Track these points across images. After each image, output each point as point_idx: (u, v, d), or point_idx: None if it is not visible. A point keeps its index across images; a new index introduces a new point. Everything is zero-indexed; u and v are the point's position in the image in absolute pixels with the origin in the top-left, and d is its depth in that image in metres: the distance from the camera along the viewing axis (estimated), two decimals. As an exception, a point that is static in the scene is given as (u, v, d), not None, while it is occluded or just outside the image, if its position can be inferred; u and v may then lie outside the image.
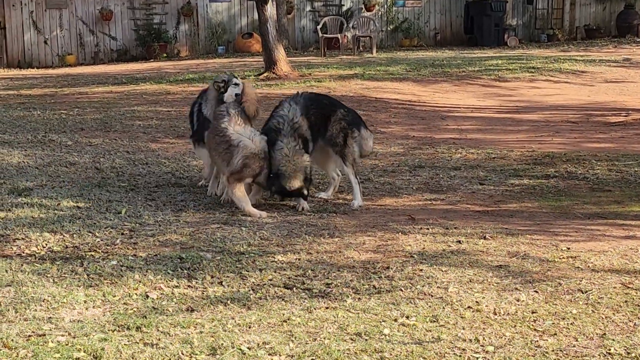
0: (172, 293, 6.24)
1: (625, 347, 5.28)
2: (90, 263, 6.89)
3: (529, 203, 9.20)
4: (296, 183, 8.68)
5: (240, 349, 5.22)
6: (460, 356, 5.17)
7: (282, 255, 7.16)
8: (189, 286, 6.38)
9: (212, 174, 9.37)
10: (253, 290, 6.32)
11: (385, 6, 32.54)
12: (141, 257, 7.08)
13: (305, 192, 8.79)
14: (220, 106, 9.03)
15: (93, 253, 7.19)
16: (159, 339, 5.36)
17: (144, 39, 29.49)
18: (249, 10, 30.47)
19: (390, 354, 5.17)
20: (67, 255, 7.12)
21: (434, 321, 5.70)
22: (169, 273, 6.65)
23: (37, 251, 7.26)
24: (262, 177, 8.69)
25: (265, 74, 20.45)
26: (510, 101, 17.95)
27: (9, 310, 5.86)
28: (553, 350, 5.23)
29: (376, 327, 5.57)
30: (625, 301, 6.06)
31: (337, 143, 9.03)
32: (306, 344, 5.31)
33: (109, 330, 5.52)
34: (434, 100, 17.88)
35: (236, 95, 9.09)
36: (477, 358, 5.15)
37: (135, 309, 5.92)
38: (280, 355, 5.16)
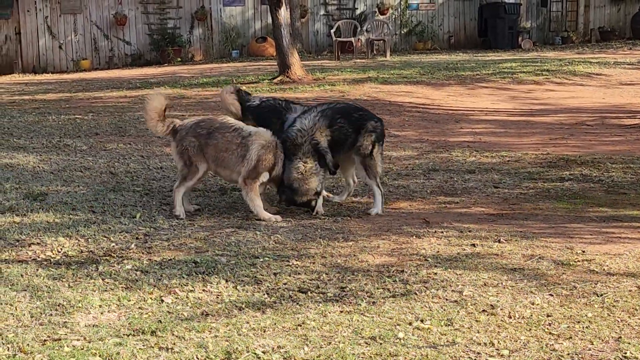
0: (187, 297, 6.25)
1: (641, 350, 5.27)
2: (105, 267, 6.91)
3: (544, 206, 9.18)
4: (306, 197, 8.73)
5: (255, 353, 5.22)
6: (475, 360, 5.17)
7: (296, 259, 7.16)
8: (203, 290, 6.39)
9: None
10: (268, 294, 6.32)
11: (399, 9, 32.53)
12: (156, 261, 7.09)
13: (314, 204, 8.81)
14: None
15: (108, 257, 7.21)
16: (174, 344, 5.38)
17: (158, 43, 29.57)
18: (262, 14, 30.50)
19: (405, 358, 5.17)
20: (82, 260, 7.14)
21: (449, 325, 5.69)
22: (183, 277, 6.66)
23: (53, 256, 7.28)
24: (276, 171, 8.63)
25: (279, 78, 20.46)
26: (525, 104, 17.91)
27: (24, 314, 5.88)
28: (568, 354, 5.22)
29: (391, 331, 5.56)
30: (641, 304, 6.04)
31: (364, 154, 8.92)
32: (321, 347, 5.31)
33: (124, 334, 5.53)
34: (447, 103, 17.86)
35: None
36: (492, 362, 5.15)
37: (150, 314, 5.93)
38: (295, 359, 5.16)
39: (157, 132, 8.97)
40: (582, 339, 5.45)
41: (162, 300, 6.18)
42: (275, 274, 6.75)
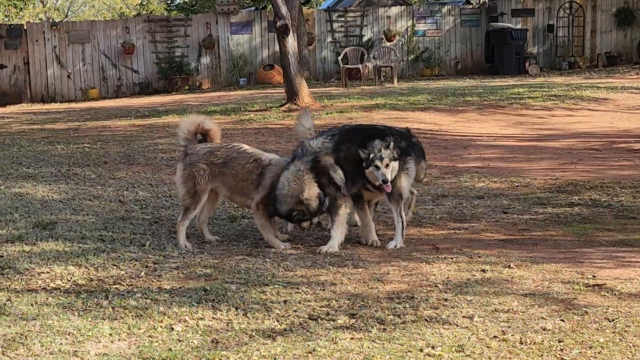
0: (197, 325, 6.23)
1: (653, 375, 5.23)
2: (115, 296, 6.90)
3: (554, 231, 9.15)
4: (285, 207, 8.45)
5: (266, 381, 5.20)
6: (487, 386, 5.14)
7: (306, 286, 7.15)
8: (213, 318, 6.38)
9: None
10: (278, 321, 6.31)
11: (406, 36, 32.64)
12: (165, 289, 7.08)
13: (295, 216, 8.53)
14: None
15: (117, 286, 7.20)
16: (185, 372, 5.36)
17: (165, 72, 29.72)
18: (270, 42, 30.63)
19: (417, 385, 5.14)
20: (92, 289, 7.14)
21: (460, 351, 5.67)
22: (193, 305, 6.65)
23: (62, 284, 7.28)
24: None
25: (287, 105, 20.52)
26: (533, 129, 17.91)
27: (34, 343, 5.87)
28: (581, 380, 5.19)
29: (402, 358, 5.54)
30: (653, 329, 6.01)
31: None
32: (332, 375, 5.29)
33: (134, 363, 5.52)
34: (455, 129, 17.88)
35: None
36: (504, 388, 5.12)
37: (160, 342, 5.92)
38: (305, 387, 5.14)
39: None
40: (594, 365, 5.42)
41: (172, 329, 6.17)
42: (285, 301, 6.73)
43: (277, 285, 7.13)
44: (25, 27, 29.75)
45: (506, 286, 7.06)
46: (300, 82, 20.69)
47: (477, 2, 37.23)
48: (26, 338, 5.97)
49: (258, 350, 5.73)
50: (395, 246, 8.49)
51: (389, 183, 8.27)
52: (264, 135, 17.07)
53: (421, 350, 5.67)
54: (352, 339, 5.92)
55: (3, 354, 5.68)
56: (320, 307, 6.61)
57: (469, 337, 5.90)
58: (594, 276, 7.32)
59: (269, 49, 30.92)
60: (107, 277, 7.47)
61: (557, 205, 10.37)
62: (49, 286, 7.23)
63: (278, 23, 20.39)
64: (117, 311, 6.54)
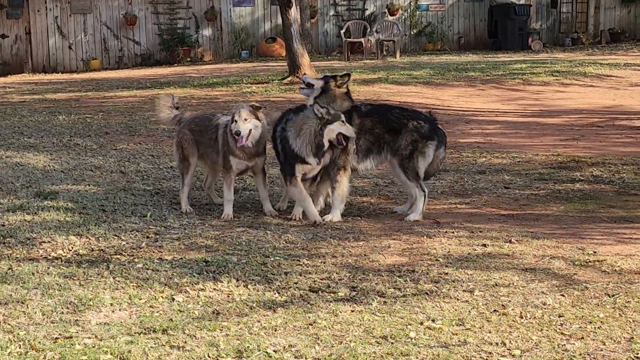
0: (198, 296, 6.25)
1: (653, 351, 5.25)
2: (116, 266, 6.91)
3: (555, 207, 9.16)
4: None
5: (266, 352, 5.22)
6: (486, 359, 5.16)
7: (307, 258, 7.16)
8: (214, 289, 6.39)
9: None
10: (279, 293, 6.32)
11: (409, 10, 32.50)
12: (167, 260, 7.10)
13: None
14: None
15: (119, 256, 7.21)
16: (185, 342, 5.38)
17: (167, 43, 29.60)
18: (272, 15, 30.51)
19: (417, 357, 5.16)
20: (93, 259, 7.15)
21: (460, 324, 5.68)
22: (194, 276, 6.66)
23: (64, 254, 7.29)
24: None
25: (289, 78, 20.46)
26: (535, 105, 17.88)
27: (36, 312, 5.89)
28: (580, 354, 5.20)
29: (402, 331, 5.56)
30: (653, 305, 6.03)
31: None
32: (332, 347, 5.31)
33: (135, 333, 5.54)
34: (457, 104, 17.85)
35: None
36: (504, 362, 5.14)
37: (161, 312, 5.93)
38: (306, 358, 5.15)
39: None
40: (594, 340, 5.43)
41: (173, 299, 6.18)
42: (286, 273, 6.75)
43: (278, 257, 7.15)
44: (27, -3, 29.64)
45: (507, 261, 7.08)
46: (302, 55, 20.61)
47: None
48: (27, 306, 5.99)
49: (259, 321, 5.74)
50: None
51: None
52: (266, 108, 17.01)
53: (421, 324, 5.69)
54: (352, 311, 5.93)
55: (5, 322, 5.70)
56: (321, 279, 6.62)
57: (469, 311, 5.92)
58: (595, 252, 7.33)
59: (271, 21, 30.79)
60: (108, 247, 7.48)
61: (558, 181, 10.37)
62: (50, 255, 7.24)
63: (281, -5, 20.31)
64: (118, 281, 6.56)
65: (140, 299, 6.18)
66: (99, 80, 23.79)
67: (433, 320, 5.74)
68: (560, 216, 8.76)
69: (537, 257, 7.17)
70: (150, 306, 6.06)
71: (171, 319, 5.77)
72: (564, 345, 5.34)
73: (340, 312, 5.90)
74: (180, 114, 9.35)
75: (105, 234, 7.89)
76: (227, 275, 6.68)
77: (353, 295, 6.27)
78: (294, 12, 20.43)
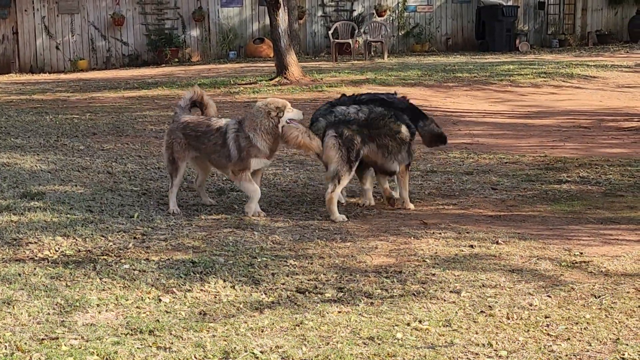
0: (185, 297, 6.24)
1: (639, 352, 5.26)
2: (103, 267, 6.90)
3: (542, 208, 9.18)
4: None
5: (253, 353, 5.22)
6: (473, 361, 5.16)
7: (294, 259, 7.16)
8: (201, 290, 6.39)
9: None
10: (265, 294, 6.32)
11: (397, 11, 32.53)
12: (154, 261, 7.08)
13: None
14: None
15: (106, 257, 7.20)
16: (172, 343, 5.37)
17: (155, 44, 29.56)
18: (260, 16, 30.50)
19: (403, 358, 5.17)
20: (80, 259, 7.14)
21: (447, 325, 5.69)
22: (181, 277, 6.66)
23: (50, 255, 7.27)
24: None
25: (276, 79, 20.46)
26: (522, 106, 17.91)
27: (22, 313, 5.87)
28: (566, 355, 5.22)
29: (389, 332, 5.56)
30: (639, 306, 6.04)
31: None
32: (319, 348, 5.31)
33: (121, 334, 5.53)
34: (445, 105, 17.87)
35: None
36: (491, 362, 5.15)
37: (148, 313, 5.93)
38: (292, 359, 5.15)
39: None
40: (580, 340, 5.45)
41: (160, 300, 6.17)
42: (273, 274, 6.75)
43: (265, 258, 7.15)
44: (14, -3, 29.55)
45: (494, 262, 7.09)
46: (290, 55, 20.63)
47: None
48: (13, 307, 5.97)
49: (245, 322, 5.74)
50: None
51: None
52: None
53: (408, 325, 5.70)
54: (339, 312, 5.94)
55: (-10, 323, 5.69)
56: (308, 280, 6.62)
57: (456, 312, 5.93)
58: (581, 253, 7.35)
59: (259, 22, 30.78)
60: (95, 248, 7.46)
61: (545, 182, 10.39)
62: (36, 256, 7.22)
63: (269, -4, 20.30)
64: (105, 282, 6.55)
65: (127, 300, 6.17)
66: (87, 80, 23.75)
67: (420, 321, 5.75)
68: (547, 217, 8.78)
69: (523, 258, 7.18)
70: (137, 307, 6.05)
71: (158, 320, 5.76)
72: (551, 346, 5.36)
73: (327, 313, 5.90)
74: (175, 114, 9.23)
75: (92, 234, 7.87)
76: (214, 276, 6.68)
77: (340, 296, 6.28)
78: (282, 13, 20.43)
